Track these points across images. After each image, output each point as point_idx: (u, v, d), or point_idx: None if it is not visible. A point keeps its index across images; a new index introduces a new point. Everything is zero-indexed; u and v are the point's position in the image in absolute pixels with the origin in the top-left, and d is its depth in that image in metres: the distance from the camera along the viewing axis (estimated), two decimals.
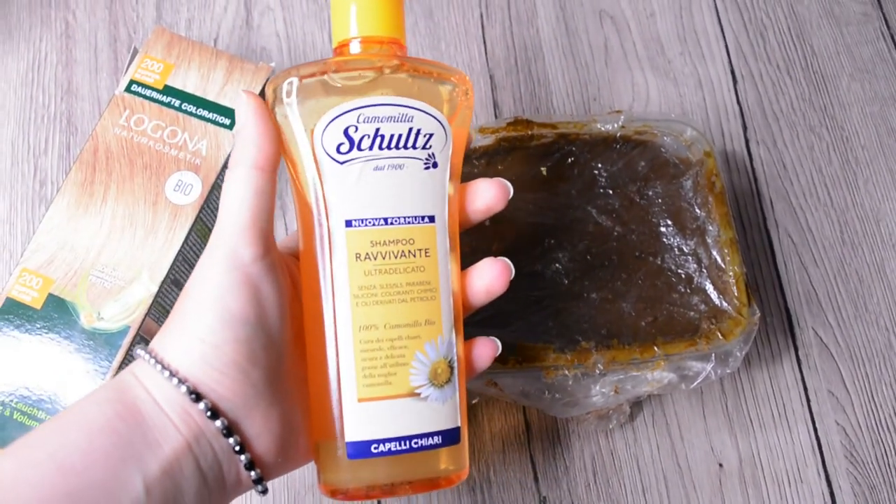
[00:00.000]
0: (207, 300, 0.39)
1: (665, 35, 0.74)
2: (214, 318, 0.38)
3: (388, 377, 0.41)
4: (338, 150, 0.40)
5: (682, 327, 0.57)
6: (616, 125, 0.61)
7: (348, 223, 0.41)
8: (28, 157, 0.67)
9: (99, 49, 0.70)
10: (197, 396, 0.38)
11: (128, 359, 0.56)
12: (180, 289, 0.60)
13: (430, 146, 0.42)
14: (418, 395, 0.41)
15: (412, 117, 0.41)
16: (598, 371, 0.55)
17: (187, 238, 0.58)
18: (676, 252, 0.59)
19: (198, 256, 0.61)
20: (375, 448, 0.40)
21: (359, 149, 0.41)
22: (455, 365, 0.43)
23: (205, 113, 0.61)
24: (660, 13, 0.74)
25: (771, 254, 0.67)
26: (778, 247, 0.67)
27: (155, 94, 0.62)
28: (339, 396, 0.41)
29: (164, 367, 0.39)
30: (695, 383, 0.56)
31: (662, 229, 0.59)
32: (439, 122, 0.42)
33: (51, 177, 0.66)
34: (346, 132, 0.40)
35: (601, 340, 0.56)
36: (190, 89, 0.62)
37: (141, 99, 0.61)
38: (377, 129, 0.41)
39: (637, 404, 0.62)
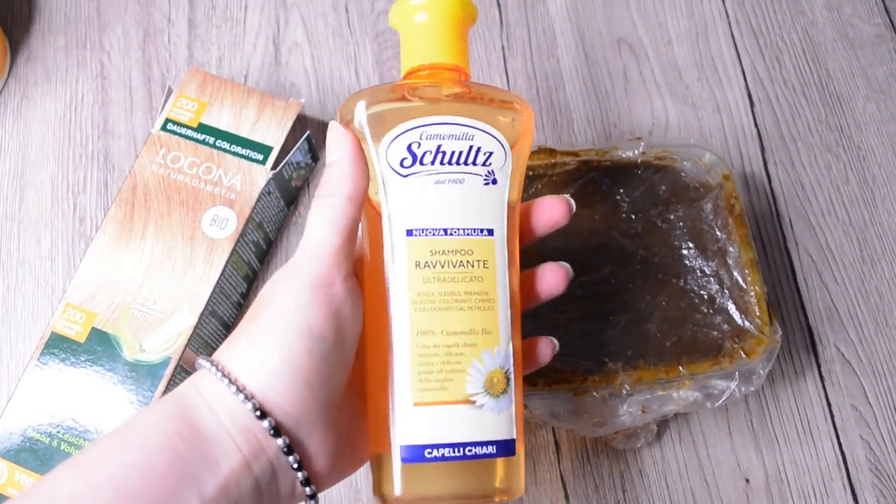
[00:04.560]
0: (287, 313, 0.40)
1: (682, 61, 0.75)
2: (293, 332, 0.39)
3: (444, 383, 0.42)
4: (401, 164, 0.43)
5: (706, 347, 0.58)
6: (637, 151, 0.62)
7: (409, 232, 0.43)
8: (67, 195, 0.69)
9: (133, 89, 0.73)
10: (262, 414, 0.38)
11: (170, 388, 0.57)
12: (218, 320, 0.62)
13: (490, 164, 0.44)
14: (473, 402, 0.42)
15: (473, 136, 0.44)
16: (625, 391, 0.56)
17: (224, 270, 0.60)
18: (698, 273, 0.60)
19: (234, 288, 0.63)
20: (429, 453, 0.41)
21: (421, 163, 0.43)
22: (511, 376, 0.43)
23: (238, 149, 0.63)
24: (677, 40, 0.76)
25: (791, 273, 0.68)
26: (798, 266, 0.68)
27: (190, 132, 0.64)
28: (395, 400, 0.42)
29: (231, 382, 0.39)
30: (720, 401, 0.57)
31: (684, 252, 0.61)
32: (499, 141, 0.44)
33: (90, 213, 0.68)
34: (409, 148, 0.43)
35: (628, 361, 0.58)
36: (224, 127, 0.64)
37: (177, 137, 0.64)
38: (439, 146, 0.43)
39: (664, 423, 0.63)
